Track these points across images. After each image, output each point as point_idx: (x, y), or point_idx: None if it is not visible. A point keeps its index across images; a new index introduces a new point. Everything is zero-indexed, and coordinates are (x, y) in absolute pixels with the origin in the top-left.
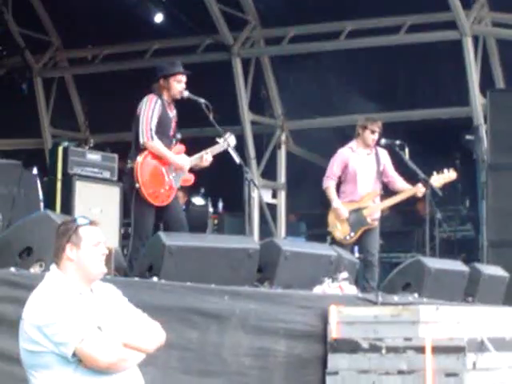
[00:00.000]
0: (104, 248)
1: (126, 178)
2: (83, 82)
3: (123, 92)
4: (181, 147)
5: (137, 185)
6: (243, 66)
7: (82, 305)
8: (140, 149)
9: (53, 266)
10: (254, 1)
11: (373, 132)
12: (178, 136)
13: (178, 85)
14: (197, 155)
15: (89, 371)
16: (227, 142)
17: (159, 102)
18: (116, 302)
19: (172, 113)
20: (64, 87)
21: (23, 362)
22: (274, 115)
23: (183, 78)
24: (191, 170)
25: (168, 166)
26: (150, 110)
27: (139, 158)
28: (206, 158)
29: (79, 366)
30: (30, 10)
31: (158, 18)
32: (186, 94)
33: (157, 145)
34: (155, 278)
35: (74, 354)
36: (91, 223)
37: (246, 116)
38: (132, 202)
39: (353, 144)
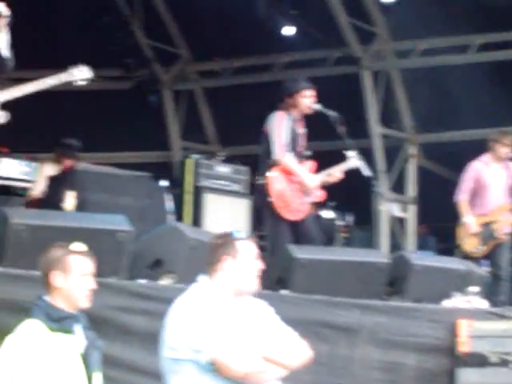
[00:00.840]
0: (260, 264)
1: (257, 194)
2: (212, 94)
3: (252, 105)
4: (311, 164)
5: (270, 199)
6: (372, 78)
7: (224, 315)
8: (271, 164)
9: (202, 277)
10: (383, 14)
11: (505, 146)
12: (307, 153)
13: (306, 100)
14: (325, 172)
15: (227, 381)
16: (355, 159)
17: (288, 118)
18: (264, 318)
19: (301, 129)
20: (193, 99)
21: (163, 369)
22: (403, 128)
23: (310, 93)
24: (320, 186)
25: (300, 181)
26: (280, 126)
27: (271, 174)
28: (334, 175)
29: (217, 374)
30: (158, 22)
31: (287, 30)
32: (316, 106)
33: (290, 161)
34: (285, 291)
35: (211, 363)
36: (248, 238)
37: (375, 129)
38: (266, 216)
39: (485, 158)
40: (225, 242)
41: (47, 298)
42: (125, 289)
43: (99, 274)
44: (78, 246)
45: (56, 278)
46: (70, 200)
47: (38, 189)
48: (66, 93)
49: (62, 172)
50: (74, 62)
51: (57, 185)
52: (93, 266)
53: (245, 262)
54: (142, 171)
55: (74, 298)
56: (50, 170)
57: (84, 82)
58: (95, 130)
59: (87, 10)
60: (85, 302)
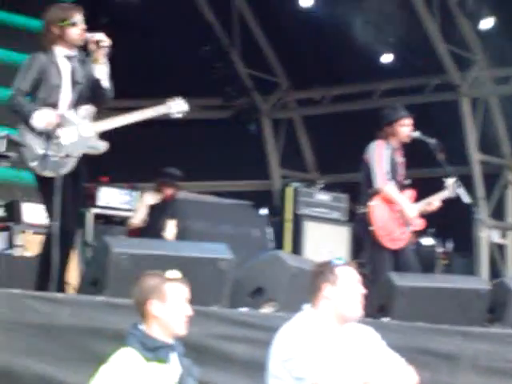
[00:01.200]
0: (361, 288)
1: (358, 222)
2: (311, 122)
3: (351, 132)
4: (410, 193)
5: (372, 228)
6: (470, 105)
7: (327, 343)
8: (372, 193)
9: (306, 306)
10: (481, 40)
11: None
12: (407, 181)
13: (404, 129)
14: (424, 201)
15: None
16: (454, 187)
17: (387, 147)
18: (371, 344)
19: (400, 158)
20: (292, 127)
21: None
22: (502, 155)
23: (408, 121)
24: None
25: (400, 210)
26: (380, 155)
27: (373, 203)
28: (433, 204)
29: None
30: (257, 51)
31: (386, 58)
32: (415, 134)
33: (391, 190)
34: (386, 319)
35: None
36: (347, 263)
37: (474, 156)
38: (367, 245)
39: None
40: (324, 269)
41: (142, 326)
42: (226, 317)
43: (201, 302)
44: (173, 273)
45: (153, 306)
46: (170, 229)
47: (139, 218)
48: (167, 122)
49: (162, 201)
50: (174, 91)
51: (157, 214)
52: (188, 292)
53: (346, 288)
54: (242, 199)
55: (172, 325)
56: (151, 198)
57: (180, 115)
58: (195, 158)
59: (188, 39)
60: (182, 329)
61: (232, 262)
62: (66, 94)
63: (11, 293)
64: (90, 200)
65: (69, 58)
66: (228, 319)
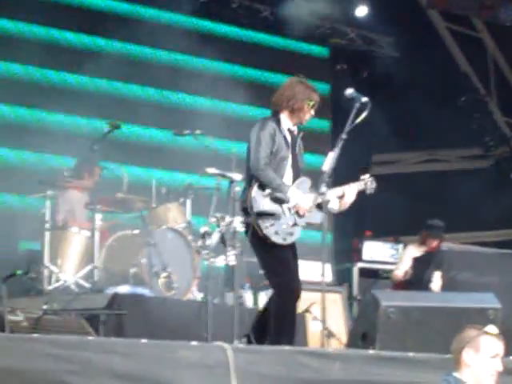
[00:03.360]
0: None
1: None
2: None
3: None
4: None
5: None
6: None
7: None
8: None
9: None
10: None
11: None
12: None
13: None
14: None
15: None
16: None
17: None
18: None
19: None
20: None
21: None
22: None
23: None
24: None
25: None
26: None
27: None
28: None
29: None
30: None
31: None
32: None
33: None
34: None
35: None
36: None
37: None
38: None
39: None
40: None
41: (456, 374)
42: None
43: None
44: (491, 328)
45: (467, 355)
46: (436, 280)
47: (402, 270)
48: (425, 173)
49: (427, 252)
50: (433, 142)
51: (422, 265)
52: (502, 348)
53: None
54: (505, 249)
55: (480, 376)
56: (415, 251)
57: (372, 191)
58: (456, 209)
59: (445, 90)
60: (489, 382)
61: (500, 312)
62: (289, 167)
63: (282, 349)
64: (356, 255)
65: (290, 131)
66: None
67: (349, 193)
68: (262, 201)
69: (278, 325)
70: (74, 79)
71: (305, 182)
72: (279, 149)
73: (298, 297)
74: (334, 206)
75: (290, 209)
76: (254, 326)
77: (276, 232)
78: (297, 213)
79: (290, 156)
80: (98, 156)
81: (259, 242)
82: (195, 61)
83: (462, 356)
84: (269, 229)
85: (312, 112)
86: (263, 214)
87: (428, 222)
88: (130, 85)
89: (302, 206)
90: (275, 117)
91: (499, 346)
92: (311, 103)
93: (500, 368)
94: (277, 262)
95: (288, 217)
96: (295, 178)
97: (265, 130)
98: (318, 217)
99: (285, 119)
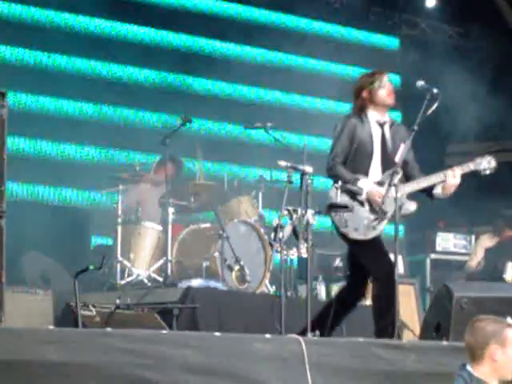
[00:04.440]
0: None
1: None
2: None
3: None
4: None
5: None
6: None
7: None
8: None
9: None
10: None
11: None
12: None
13: None
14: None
15: None
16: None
17: None
18: None
19: None
20: None
21: None
22: None
23: None
24: None
25: None
26: None
27: None
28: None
29: None
30: None
31: None
32: None
33: None
34: None
35: None
36: None
37: None
38: None
39: None
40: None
41: (470, 368)
42: None
43: None
44: None
45: (493, 350)
46: (509, 270)
47: (476, 260)
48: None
49: (499, 243)
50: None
51: (496, 256)
52: None
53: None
54: None
55: (505, 369)
56: (488, 241)
57: (488, 172)
58: None
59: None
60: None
61: None
62: (377, 161)
63: (356, 341)
64: (429, 246)
65: (380, 124)
66: None
67: (450, 176)
68: (334, 195)
69: (380, 310)
70: (142, 75)
71: (393, 174)
72: (361, 144)
73: (392, 280)
74: (438, 191)
75: (366, 202)
76: (316, 317)
77: (355, 229)
78: (371, 206)
79: (379, 150)
80: (169, 150)
81: (342, 236)
82: (270, 54)
83: (487, 351)
84: (348, 227)
85: (384, 89)
86: (336, 207)
87: (502, 211)
88: (198, 79)
89: (371, 195)
90: (358, 112)
91: None
92: (376, 83)
93: None
94: (364, 252)
95: (367, 212)
96: (386, 170)
97: (344, 126)
98: (411, 207)
99: (371, 112)
